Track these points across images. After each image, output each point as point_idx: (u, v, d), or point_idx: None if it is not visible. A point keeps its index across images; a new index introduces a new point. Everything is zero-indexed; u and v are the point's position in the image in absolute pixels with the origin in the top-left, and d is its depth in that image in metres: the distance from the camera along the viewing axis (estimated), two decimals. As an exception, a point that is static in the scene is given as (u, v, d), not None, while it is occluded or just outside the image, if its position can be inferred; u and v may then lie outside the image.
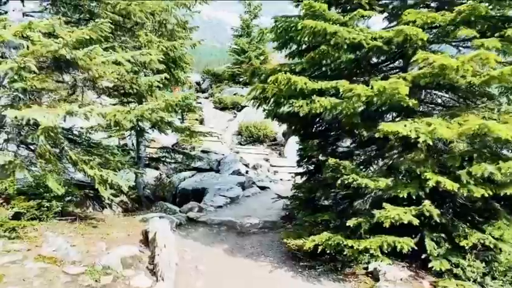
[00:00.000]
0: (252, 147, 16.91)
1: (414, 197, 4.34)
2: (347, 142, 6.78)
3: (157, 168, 12.69)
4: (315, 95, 4.73)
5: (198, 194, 10.80)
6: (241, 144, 17.70)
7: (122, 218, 8.12)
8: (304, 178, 7.63)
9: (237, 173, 12.38)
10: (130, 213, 8.92)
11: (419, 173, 4.34)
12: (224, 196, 9.06)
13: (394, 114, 5.40)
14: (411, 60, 4.82)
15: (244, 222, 7.15)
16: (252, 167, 13.38)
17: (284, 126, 19.48)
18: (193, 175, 12.66)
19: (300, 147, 7.10)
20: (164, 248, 4.98)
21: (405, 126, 4.24)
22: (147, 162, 11.06)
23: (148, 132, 9.89)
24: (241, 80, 30.48)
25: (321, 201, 6.34)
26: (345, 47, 4.78)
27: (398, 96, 4.28)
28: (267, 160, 13.72)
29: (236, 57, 30.39)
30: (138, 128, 9.24)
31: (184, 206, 8.24)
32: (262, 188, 10.67)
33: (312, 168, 7.26)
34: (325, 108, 4.63)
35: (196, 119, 18.57)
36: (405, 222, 4.09)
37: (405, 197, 4.33)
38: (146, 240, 5.79)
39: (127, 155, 10.48)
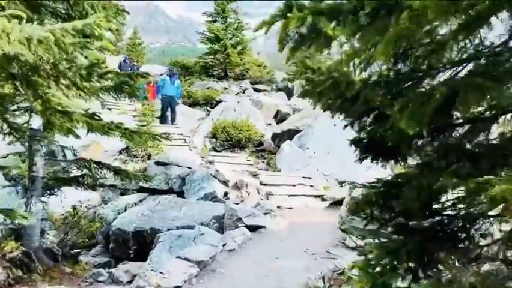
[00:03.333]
0: (230, 154, 12.53)
1: None
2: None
3: (92, 188, 8.09)
4: None
5: (144, 240, 6.35)
6: (216, 151, 13.29)
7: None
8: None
9: (212, 197, 7.99)
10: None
11: None
12: (187, 260, 4.65)
13: None
14: None
15: None
16: (234, 186, 9.01)
17: (274, 128, 15.21)
18: (141, 200, 8.18)
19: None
20: None
21: None
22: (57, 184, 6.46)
23: (44, 133, 5.35)
24: (215, 73, 26.08)
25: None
26: None
27: None
28: (255, 176, 9.37)
29: (209, 45, 25.93)
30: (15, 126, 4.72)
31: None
32: (254, 228, 6.33)
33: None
34: None
35: (157, 117, 14.03)
36: None
37: None
38: None
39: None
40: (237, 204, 7.96)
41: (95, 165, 5.79)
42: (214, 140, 13.49)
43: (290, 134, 11.57)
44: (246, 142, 13.07)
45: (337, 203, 8.38)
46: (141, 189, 8.51)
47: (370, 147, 3.29)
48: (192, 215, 6.80)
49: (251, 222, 6.36)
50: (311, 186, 9.26)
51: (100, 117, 5.47)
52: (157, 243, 5.56)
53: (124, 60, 19.82)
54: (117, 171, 5.71)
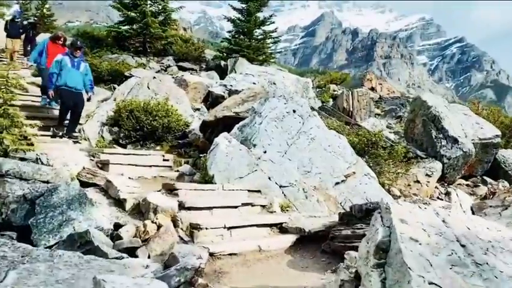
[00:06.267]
0: (138, 151, 8.68)
1: None
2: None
3: None
4: None
5: None
6: (119, 144, 9.36)
7: None
8: None
9: (83, 242, 4.20)
10: None
11: None
12: None
13: None
14: None
15: None
16: (134, 211, 5.29)
17: (204, 114, 11.53)
18: None
19: None
20: None
21: None
22: None
23: None
24: (131, 47, 21.53)
25: None
26: None
27: None
28: (171, 192, 5.66)
29: (125, 12, 21.26)
30: None
31: None
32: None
33: None
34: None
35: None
36: None
37: None
38: None
39: None
40: (135, 251, 4.34)
41: None
42: (117, 128, 9.49)
43: (227, 124, 8.05)
44: (163, 133, 9.31)
45: (308, 238, 5.08)
46: None
47: None
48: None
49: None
50: (262, 206, 5.87)
51: None
52: None
53: (13, 19, 14.57)
54: None
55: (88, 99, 8.88)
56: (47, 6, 33.19)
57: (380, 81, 21.20)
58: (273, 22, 21.42)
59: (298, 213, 5.85)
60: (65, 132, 8.50)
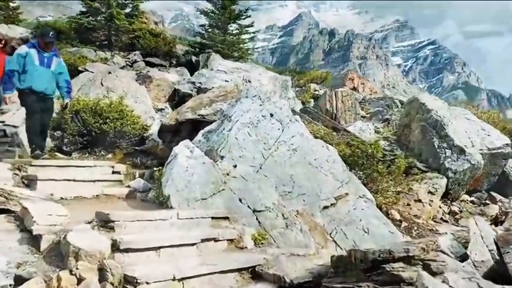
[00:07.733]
0: (80, 163, 7.12)
1: None
2: None
3: None
4: None
5: None
6: (62, 152, 7.81)
7: None
8: None
9: None
10: None
11: None
12: None
13: None
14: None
15: None
16: (51, 252, 3.82)
17: (167, 116, 9.95)
18: None
19: None
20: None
21: None
22: None
23: None
24: (96, 40, 19.78)
25: None
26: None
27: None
28: (105, 224, 4.22)
29: (87, 2, 19.47)
30: None
31: None
32: None
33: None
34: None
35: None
36: None
37: None
38: None
39: None
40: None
41: None
42: (60, 133, 7.95)
43: (191, 128, 6.66)
44: (115, 138, 7.81)
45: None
46: None
47: None
48: None
49: None
50: (229, 241, 4.52)
51: None
52: None
53: None
54: None
55: (65, 107, 6.95)
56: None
57: (362, 80, 20.21)
58: (249, 16, 20.06)
59: (276, 249, 4.53)
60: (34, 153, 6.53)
